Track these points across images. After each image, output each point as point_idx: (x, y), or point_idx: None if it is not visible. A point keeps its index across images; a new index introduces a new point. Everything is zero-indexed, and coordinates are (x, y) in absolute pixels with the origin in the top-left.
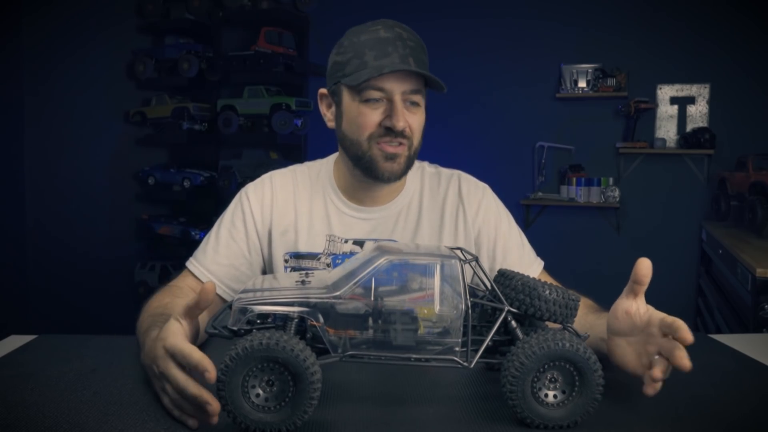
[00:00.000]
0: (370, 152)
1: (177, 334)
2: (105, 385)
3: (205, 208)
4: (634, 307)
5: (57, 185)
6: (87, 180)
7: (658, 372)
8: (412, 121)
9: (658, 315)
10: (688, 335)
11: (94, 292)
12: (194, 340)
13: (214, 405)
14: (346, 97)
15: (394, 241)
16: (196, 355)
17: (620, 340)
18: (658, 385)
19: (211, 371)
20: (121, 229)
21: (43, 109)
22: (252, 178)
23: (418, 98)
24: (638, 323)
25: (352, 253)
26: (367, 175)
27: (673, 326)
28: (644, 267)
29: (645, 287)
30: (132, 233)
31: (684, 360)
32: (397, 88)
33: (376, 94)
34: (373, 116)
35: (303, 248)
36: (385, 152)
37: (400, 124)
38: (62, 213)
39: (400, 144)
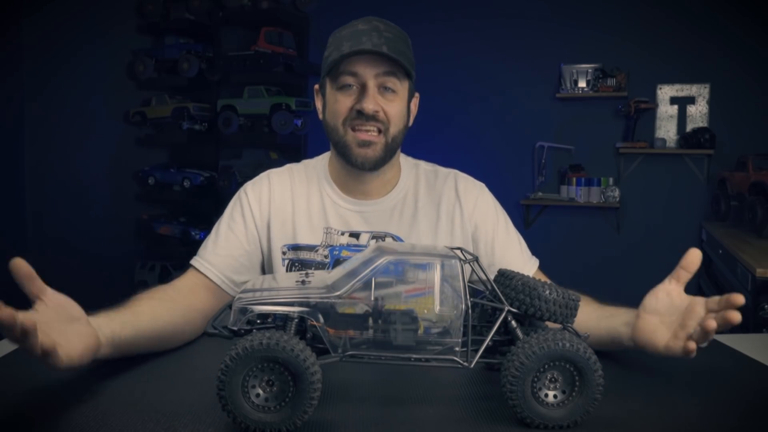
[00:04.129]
0: (346, 137)
1: None
2: (105, 385)
3: (205, 208)
4: (676, 290)
5: (57, 185)
6: (87, 180)
7: (712, 322)
8: (388, 107)
9: (704, 298)
10: (740, 298)
11: (94, 292)
12: (64, 309)
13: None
14: (328, 87)
15: (391, 234)
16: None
17: (654, 318)
18: (691, 345)
19: None
20: (121, 229)
21: (43, 109)
22: (252, 179)
23: (394, 83)
24: (678, 304)
25: (348, 245)
26: (346, 161)
27: (727, 296)
28: (694, 255)
29: (690, 275)
30: (132, 233)
31: (734, 314)
32: (369, 71)
33: (348, 79)
34: (346, 101)
35: (301, 240)
36: (358, 139)
37: (369, 107)
38: (62, 213)
39: (378, 131)
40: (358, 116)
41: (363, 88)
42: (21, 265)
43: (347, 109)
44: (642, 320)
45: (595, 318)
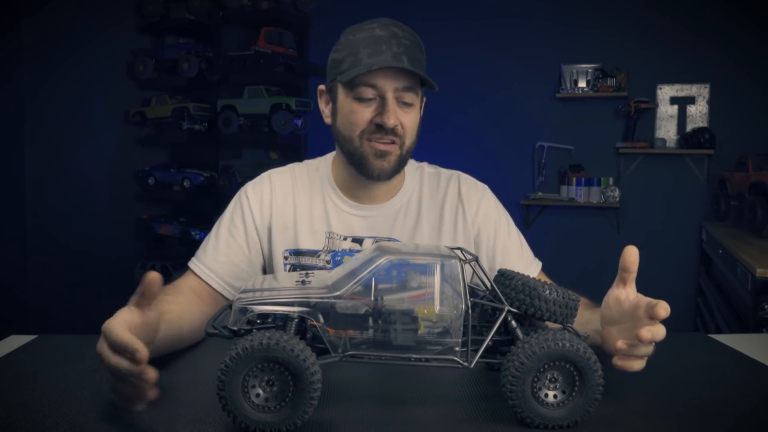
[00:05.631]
0: (362, 149)
1: (115, 319)
2: (105, 385)
3: (205, 208)
4: (624, 294)
5: (57, 185)
6: (87, 180)
7: (621, 343)
8: (405, 119)
9: (645, 299)
10: (660, 311)
11: (94, 292)
12: (151, 331)
13: (149, 374)
14: (341, 94)
15: (394, 239)
16: (124, 336)
17: (612, 328)
18: (634, 363)
19: (141, 350)
20: (121, 229)
21: (43, 109)
22: (252, 179)
23: (411, 97)
24: (627, 309)
25: (351, 251)
26: (360, 172)
27: (655, 307)
28: (631, 254)
29: (633, 275)
30: (132, 233)
31: (643, 331)
32: (389, 85)
33: (368, 91)
34: (364, 113)
35: (302, 245)
36: (375, 150)
37: (390, 121)
38: (62, 213)
39: (392, 142)
40: (377, 130)
41: (382, 101)
42: (156, 281)
43: (366, 122)
44: (604, 332)
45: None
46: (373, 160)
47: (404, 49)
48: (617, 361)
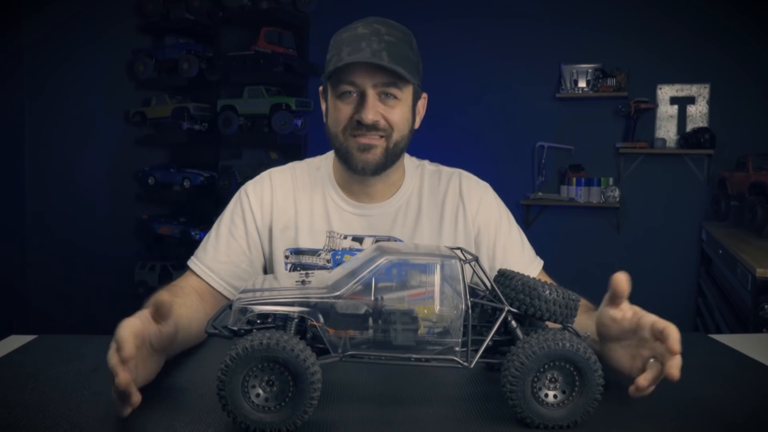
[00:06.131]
0: (346, 143)
1: (127, 322)
2: (105, 385)
3: (205, 208)
4: (620, 314)
5: (57, 185)
6: (87, 180)
7: (644, 381)
8: (390, 114)
9: (649, 319)
10: (675, 346)
11: (95, 292)
12: (167, 342)
13: (121, 377)
14: (330, 93)
15: (394, 237)
16: (122, 332)
17: (613, 344)
18: (649, 389)
19: (126, 349)
20: (121, 229)
21: (43, 109)
22: (252, 179)
23: (395, 91)
24: (627, 327)
25: (351, 249)
26: (347, 167)
27: (664, 333)
28: (621, 282)
29: (625, 298)
30: (132, 233)
31: (673, 370)
32: (367, 81)
33: (348, 88)
34: (345, 110)
35: (303, 244)
36: (358, 144)
37: (368, 117)
38: (62, 213)
39: (381, 137)
40: (358, 126)
41: (362, 97)
42: (167, 306)
43: (347, 118)
44: (604, 347)
45: None
46: (356, 154)
47: (385, 45)
48: (635, 393)
